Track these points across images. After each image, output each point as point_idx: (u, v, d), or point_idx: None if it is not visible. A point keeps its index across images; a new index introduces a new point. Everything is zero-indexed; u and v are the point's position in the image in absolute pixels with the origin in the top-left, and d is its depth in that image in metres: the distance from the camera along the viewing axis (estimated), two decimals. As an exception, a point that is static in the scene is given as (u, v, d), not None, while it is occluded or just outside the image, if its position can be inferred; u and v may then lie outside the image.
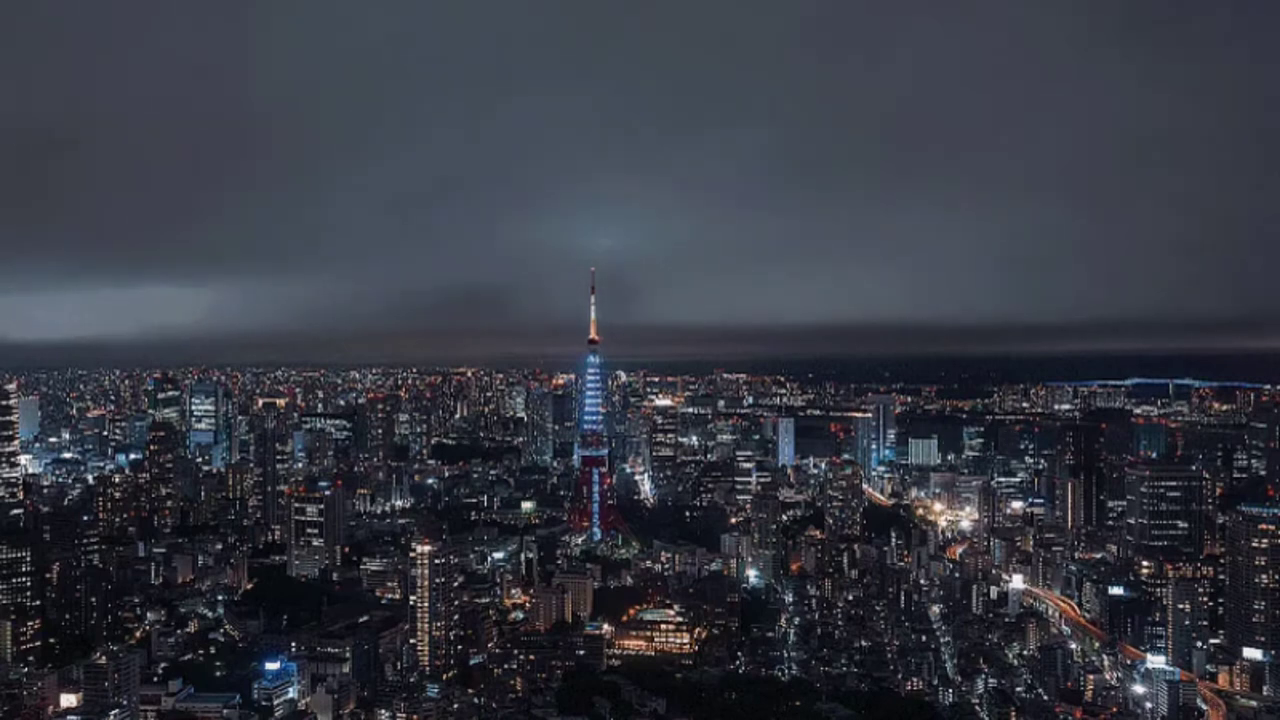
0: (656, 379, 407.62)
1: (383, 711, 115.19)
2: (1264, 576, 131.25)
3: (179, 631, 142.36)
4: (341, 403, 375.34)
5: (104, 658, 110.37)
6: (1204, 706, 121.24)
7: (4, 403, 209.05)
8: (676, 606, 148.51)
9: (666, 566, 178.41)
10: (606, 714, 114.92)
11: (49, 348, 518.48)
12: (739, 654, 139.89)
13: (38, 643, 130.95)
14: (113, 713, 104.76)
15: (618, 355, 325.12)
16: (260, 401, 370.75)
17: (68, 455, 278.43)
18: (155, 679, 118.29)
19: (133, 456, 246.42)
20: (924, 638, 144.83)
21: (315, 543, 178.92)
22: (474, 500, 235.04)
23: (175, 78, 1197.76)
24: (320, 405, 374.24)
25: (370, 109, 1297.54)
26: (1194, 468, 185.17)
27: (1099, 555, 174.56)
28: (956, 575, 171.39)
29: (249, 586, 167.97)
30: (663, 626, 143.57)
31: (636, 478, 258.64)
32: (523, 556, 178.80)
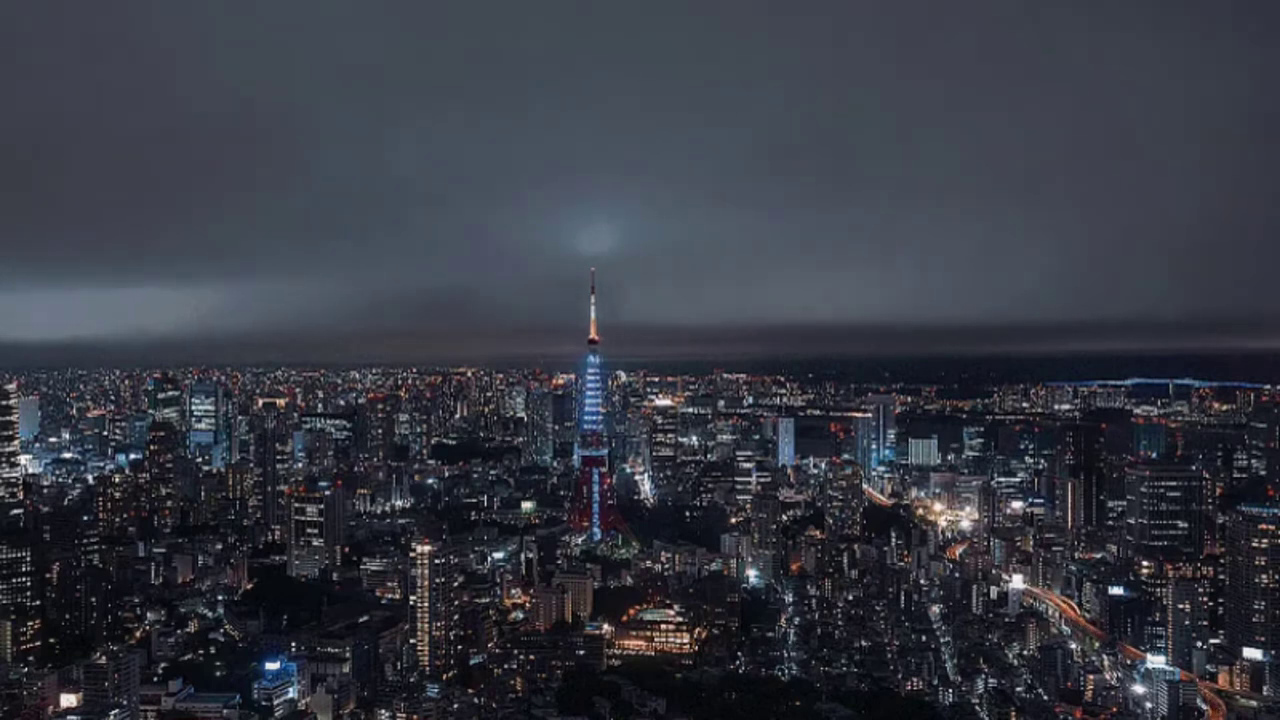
0: (656, 379, 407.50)
1: (383, 711, 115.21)
2: (1264, 576, 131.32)
3: (179, 631, 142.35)
4: (341, 403, 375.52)
5: (104, 658, 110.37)
6: (1204, 706, 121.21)
7: (4, 403, 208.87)
8: (676, 606, 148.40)
9: (666, 566, 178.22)
10: (606, 714, 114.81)
11: (49, 348, 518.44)
12: (739, 654, 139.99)
13: (38, 643, 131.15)
14: (113, 713, 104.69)
15: (618, 355, 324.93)
16: (260, 401, 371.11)
17: (68, 455, 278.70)
18: (155, 679, 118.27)
19: (133, 456, 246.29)
20: (924, 638, 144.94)
21: (315, 543, 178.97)
22: (474, 500, 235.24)
23: (172, 77, 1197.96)
24: (320, 405, 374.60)
25: (368, 106, 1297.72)
26: (1194, 468, 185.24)
27: (1099, 555, 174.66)
28: (956, 575, 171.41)
29: (249, 586, 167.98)
30: (663, 626, 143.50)
31: (636, 478, 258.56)
32: (523, 556, 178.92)
